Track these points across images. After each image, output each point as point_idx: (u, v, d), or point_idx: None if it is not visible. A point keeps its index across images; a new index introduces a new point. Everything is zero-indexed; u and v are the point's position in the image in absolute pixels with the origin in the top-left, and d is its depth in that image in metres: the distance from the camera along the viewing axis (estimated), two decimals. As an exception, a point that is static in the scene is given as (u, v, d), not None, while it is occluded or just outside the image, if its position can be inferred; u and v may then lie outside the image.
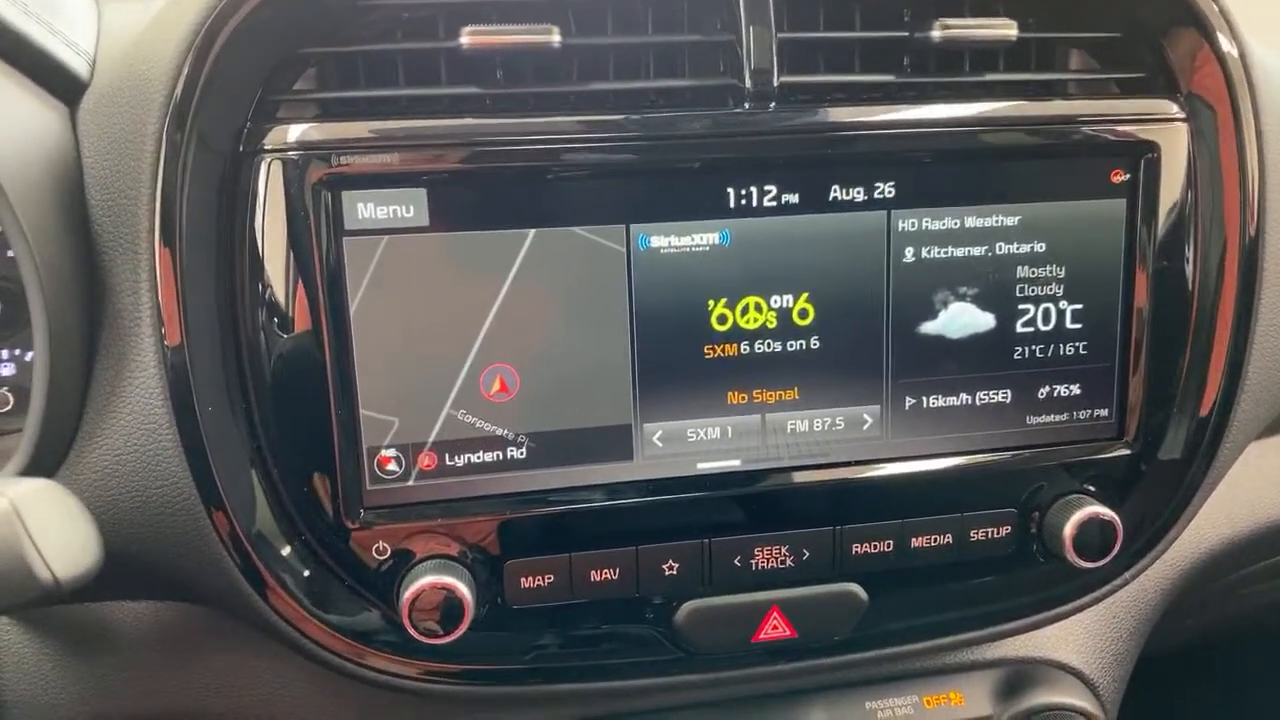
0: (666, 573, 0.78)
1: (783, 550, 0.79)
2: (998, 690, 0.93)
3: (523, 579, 0.76)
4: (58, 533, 0.62)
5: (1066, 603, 0.87)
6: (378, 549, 0.75)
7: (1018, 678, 0.94)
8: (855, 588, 0.82)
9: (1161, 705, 1.72)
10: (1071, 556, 0.81)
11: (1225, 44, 0.79)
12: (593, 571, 0.77)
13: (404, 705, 0.85)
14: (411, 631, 0.73)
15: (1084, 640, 0.98)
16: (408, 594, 0.72)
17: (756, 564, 0.79)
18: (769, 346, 0.77)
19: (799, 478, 0.79)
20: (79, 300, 0.71)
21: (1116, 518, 0.81)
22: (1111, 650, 0.99)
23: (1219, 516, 1.01)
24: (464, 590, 0.73)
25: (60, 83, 0.74)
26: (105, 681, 0.84)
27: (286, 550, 0.74)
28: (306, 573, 0.75)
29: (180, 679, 0.85)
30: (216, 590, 0.74)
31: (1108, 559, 0.81)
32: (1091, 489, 0.84)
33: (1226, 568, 1.08)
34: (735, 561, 0.79)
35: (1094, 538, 0.81)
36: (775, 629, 0.81)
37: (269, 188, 0.69)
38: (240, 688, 0.86)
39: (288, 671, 0.86)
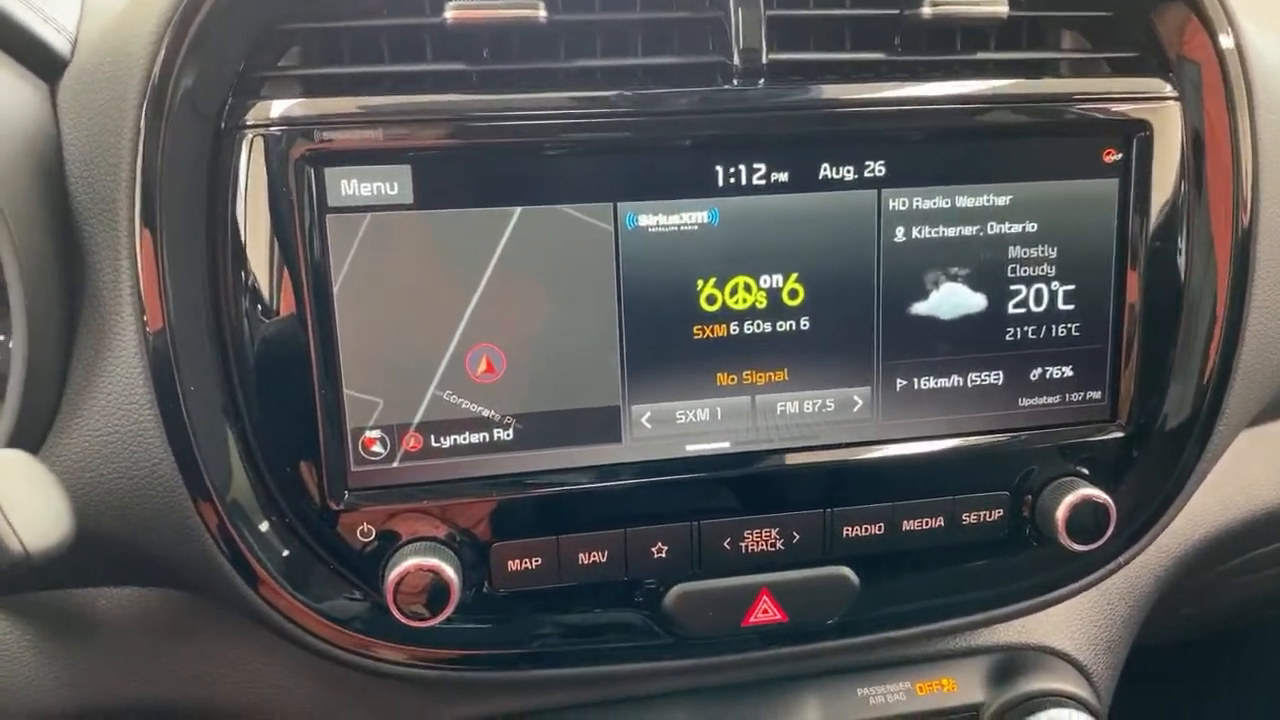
0: (655, 555, 0.77)
1: (773, 533, 0.79)
2: (990, 677, 0.93)
3: (510, 562, 0.76)
4: (27, 503, 0.61)
5: (1060, 587, 0.87)
6: (362, 531, 0.74)
7: (1010, 664, 0.94)
8: (846, 571, 0.81)
9: (1161, 697, 1.71)
10: (1064, 539, 0.80)
11: (1216, 22, 0.79)
12: (581, 554, 0.76)
13: (387, 689, 0.84)
14: (396, 614, 0.72)
15: (1078, 627, 0.97)
16: (392, 576, 0.72)
17: (746, 547, 0.79)
18: (758, 327, 0.77)
19: (789, 460, 0.79)
20: (58, 279, 0.70)
21: (1110, 500, 0.80)
22: (1105, 637, 0.99)
23: (1213, 503, 1.01)
24: (450, 573, 0.72)
25: (40, 60, 0.74)
26: (86, 668, 0.83)
27: (270, 532, 0.73)
28: (289, 555, 0.74)
29: (162, 665, 0.84)
30: (200, 574, 0.74)
31: (1101, 542, 0.81)
32: (1085, 472, 0.83)
33: (1221, 555, 1.07)
34: (725, 544, 0.78)
35: (1087, 520, 0.80)
36: (765, 612, 0.80)
37: (251, 164, 0.68)
38: (222, 673, 0.85)
39: (270, 657, 0.85)
